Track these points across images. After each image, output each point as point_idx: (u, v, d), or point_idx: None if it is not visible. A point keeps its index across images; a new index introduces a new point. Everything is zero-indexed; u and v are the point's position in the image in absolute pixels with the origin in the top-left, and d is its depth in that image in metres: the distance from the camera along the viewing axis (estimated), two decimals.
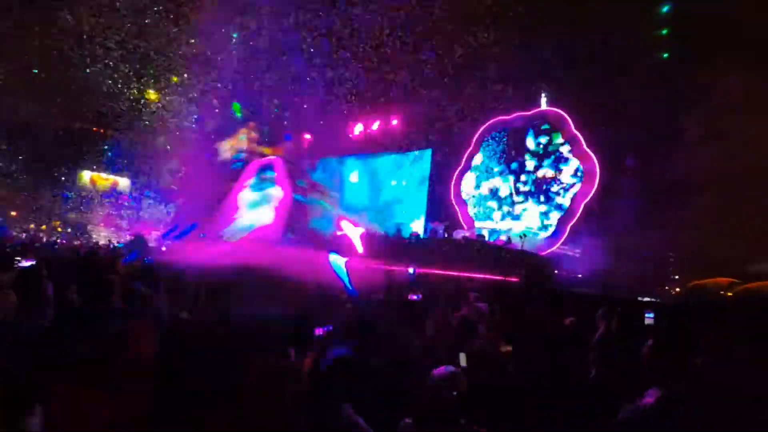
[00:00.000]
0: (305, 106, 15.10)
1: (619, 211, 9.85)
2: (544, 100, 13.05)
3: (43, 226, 20.77)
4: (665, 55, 11.08)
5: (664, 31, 11.24)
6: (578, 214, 11.56)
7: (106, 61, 13.51)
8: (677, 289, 10.25)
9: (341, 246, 11.05)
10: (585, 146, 11.76)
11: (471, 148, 14.32)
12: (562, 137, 12.30)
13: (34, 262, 3.80)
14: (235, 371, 2.02)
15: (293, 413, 1.85)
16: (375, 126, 16.63)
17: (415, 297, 4.46)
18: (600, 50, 10.97)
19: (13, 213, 20.55)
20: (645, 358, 1.75)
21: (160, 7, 12.04)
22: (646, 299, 8.38)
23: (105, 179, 22.02)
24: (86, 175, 21.79)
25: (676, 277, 10.60)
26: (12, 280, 3.47)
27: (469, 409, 1.94)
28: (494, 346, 3.06)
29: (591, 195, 11.39)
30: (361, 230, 14.24)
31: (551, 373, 2.35)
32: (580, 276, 10.32)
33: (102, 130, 18.82)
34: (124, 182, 21.99)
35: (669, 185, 9.77)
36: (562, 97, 12.45)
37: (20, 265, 3.77)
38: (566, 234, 11.60)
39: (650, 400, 1.55)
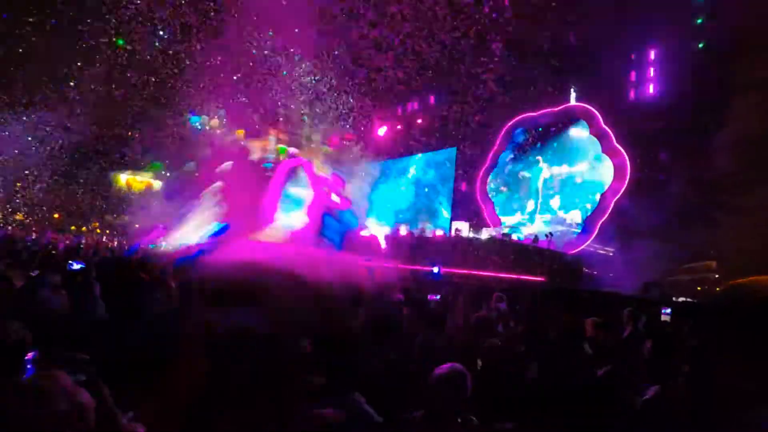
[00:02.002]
0: (331, 108, 15.30)
1: (653, 208, 9.56)
2: (573, 95, 12.77)
3: (84, 228, 21.87)
4: (701, 45, 10.65)
5: (700, 20, 10.81)
6: (609, 212, 11.26)
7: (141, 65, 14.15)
8: (717, 289, 9.85)
9: (367, 246, 11.20)
10: (615, 142, 11.45)
11: (497, 146, 14.17)
12: (591, 133, 12.01)
13: (83, 265, 4.13)
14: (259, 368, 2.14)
15: (307, 403, 1.96)
16: (399, 126, 16.72)
17: (435, 297, 4.53)
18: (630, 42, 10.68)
19: (56, 215, 21.76)
20: (645, 356, 1.78)
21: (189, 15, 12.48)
22: (681, 299, 8.14)
23: (140, 182, 22.90)
24: (122, 178, 22.74)
25: (716, 276, 10.17)
26: (62, 280, 3.80)
27: (482, 406, 2.01)
28: (512, 346, 3.10)
29: (622, 192, 11.07)
30: (386, 230, 14.36)
31: (566, 373, 2.38)
32: (611, 275, 10.08)
33: (136, 134, 19.61)
34: (157, 184, 22.83)
35: (708, 181, 9.40)
36: (591, 92, 12.15)
37: (71, 267, 4.09)
38: (596, 232, 11.32)
39: (647, 397, 1.58)
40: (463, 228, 12.84)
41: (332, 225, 16.52)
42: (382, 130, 17.20)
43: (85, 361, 1.76)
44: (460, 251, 10.50)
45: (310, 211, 17.90)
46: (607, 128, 11.62)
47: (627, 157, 11.13)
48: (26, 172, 18.86)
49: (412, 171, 17.03)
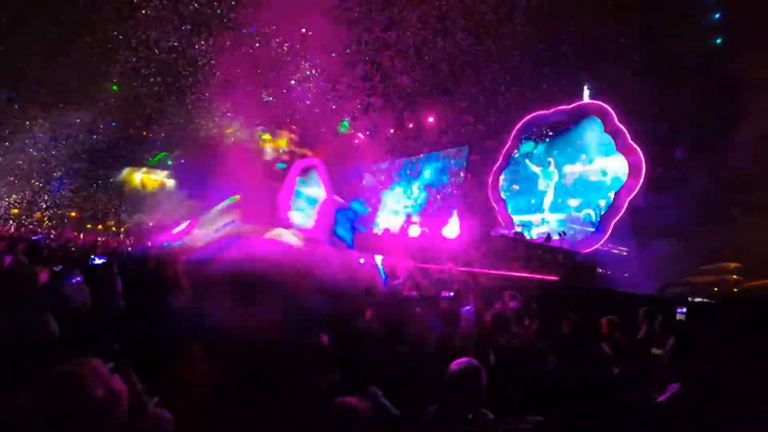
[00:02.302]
0: (341, 107, 15.38)
1: (668, 207, 9.43)
2: (586, 92, 12.65)
3: (99, 226, 22.31)
4: (718, 41, 10.46)
5: (717, 15, 10.61)
6: (623, 211, 11.14)
7: (155, 66, 14.38)
8: (734, 290, 9.67)
9: (380, 244, 11.25)
10: (629, 139, 11.32)
11: (509, 144, 14.10)
12: (605, 130, 11.88)
13: (105, 260, 4.24)
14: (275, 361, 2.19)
15: (324, 397, 2.00)
16: (410, 125, 16.72)
17: (448, 294, 4.56)
18: (645, 38, 10.53)
19: (73, 213, 22.22)
20: (666, 355, 1.78)
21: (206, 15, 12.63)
22: (698, 300, 8.02)
23: (154, 180, 23.24)
24: (137, 177, 23.11)
25: (735, 277, 9.98)
26: (84, 275, 3.90)
27: (496, 402, 2.03)
28: (525, 343, 3.11)
29: (636, 190, 10.94)
30: (398, 228, 14.41)
31: (582, 371, 2.39)
32: (626, 275, 9.97)
33: (150, 134, 19.89)
34: (170, 183, 23.15)
35: (724, 180, 9.24)
36: (605, 89, 12.01)
37: (93, 262, 4.21)
38: (610, 231, 11.21)
39: (666, 396, 1.59)
40: (476, 227, 12.82)
41: (344, 223, 16.59)
42: (393, 129, 17.21)
43: (114, 349, 1.82)
44: (472, 249, 10.47)
45: (323, 211, 18.04)
46: (621, 125, 11.49)
47: (642, 155, 10.99)
48: (46, 171, 19.33)
49: (423, 170, 17.03)
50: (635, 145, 11.16)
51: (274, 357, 2.40)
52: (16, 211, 21.91)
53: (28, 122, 17.76)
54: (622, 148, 11.47)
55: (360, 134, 17.48)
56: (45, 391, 1.11)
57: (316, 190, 18.26)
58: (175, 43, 13.56)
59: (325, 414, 1.92)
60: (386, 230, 15.17)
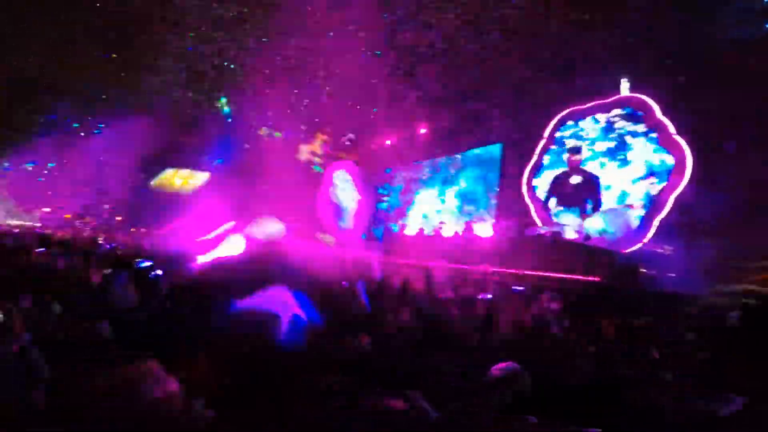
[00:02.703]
0: (374, 109, 15.45)
1: (716, 203, 8.93)
2: (625, 85, 12.15)
3: (142, 229, 23.29)
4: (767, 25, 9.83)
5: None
6: (667, 208, 10.62)
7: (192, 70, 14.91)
8: None
9: (413, 246, 11.24)
10: (673, 133, 10.79)
11: (545, 141, 13.74)
12: (646, 125, 11.38)
13: (150, 263, 4.46)
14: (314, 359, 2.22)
15: (364, 396, 2.01)
16: (443, 124, 16.58)
17: (485, 296, 4.49)
18: (687, 25, 10.01)
19: (118, 218, 23.29)
20: (725, 361, 1.68)
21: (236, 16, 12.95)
22: (751, 302, 7.55)
23: (188, 181, 23.89)
24: (175, 179, 23.85)
25: None
26: (132, 277, 4.09)
27: (535, 406, 1.97)
28: (566, 345, 3.02)
29: (681, 187, 10.41)
30: (431, 229, 14.35)
31: (622, 374, 2.30)
32: (672, 275, 9.51)
33: (194, 139, 20.56)
34: (206, 183, 23.75)
35: None
36: (646, 82, 11.49)
37: (140, 265, 4.42)
38: (653, 230, 10.72)
39: (729, 410, 1.49)
40: (511, 227, 12.59)
41: (377, 226, 16.70)
42: (423, 129, 17.15)
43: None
44: (508, 250, 10.29)
45: (359, 214, 18.29)
46: (664, 119, 10.97)
47: (687, 150, 10.46)
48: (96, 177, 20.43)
49: (456, 169, 16.87)
50: (679, 140, 10.64)
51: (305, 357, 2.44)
52: (68, 216, 23.27)
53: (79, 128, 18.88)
54: (666, 143, 10.95)
55: (391, 135, 17.50)
56: (107, 393, 1.16)
57: (350, 192, 18.48)
58: (218, 49, 13.97)
59: (364, 416, 1.92)
60: (420, 231, 15.15)
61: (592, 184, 12.29)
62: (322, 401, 1.90)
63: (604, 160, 12.23)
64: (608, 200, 11.95)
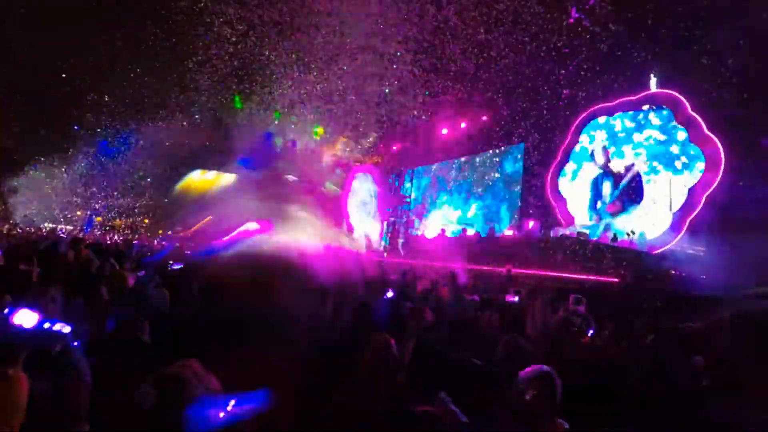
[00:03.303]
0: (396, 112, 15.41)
1: (753, 202, 8.57)
2: (653, 81, 11.79)
3: (170, 231, 23.85)
4: None
5: None
6: (700, 207, 10.27)
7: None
8: None
9: (435, 248, 11.20)
10: (706, 129, 10.43)
11: (569, 140, 13.48)
12: (677, 121, 11.02)
13: (181, 265, 4.58)
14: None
15: (396, 399, 2.02)
16: (463, 125, 16.47)
17: (513, 298, 4.44)
18: (716, 18, 9.66)
19: (146, 220, 23.92)
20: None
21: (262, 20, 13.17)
22: None
23: (210, 180, 24.21)
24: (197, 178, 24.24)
25: None
26: (163, 279, 4.22)
27: (567, 409, 1.94)
28: (596, 349, 2.97)
29: (715, 185, 10.05)
30: (452, 231, 14.27)
31: (655, 379, 2.24)
32: (704, 277, 9.17)
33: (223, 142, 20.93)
34: (233, 184, 24.04)
35: None
36: (675, 77, 11.13)
37: (172, 267, 4.55)
38: (685, 229, 10.37)
39: None
40: (535, 227, 12.41)
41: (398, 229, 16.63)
42: (445, 130, 17.06)
43: None
44: (532, 251, 10.14)
45: (380, 216, 18.34)
46: (696, 115, 10.61)
47: (720, 146, 10.09)
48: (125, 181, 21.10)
49: (477, 169, 16.74)
50: (713, 136, 10.27)
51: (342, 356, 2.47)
52: (99, 219, 24.08)
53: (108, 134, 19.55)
54: (698, 140, 10.59)
55: (413, 136, 17.47)
56: (156, 392, 1.22)
57: (372, 196, 18.55)
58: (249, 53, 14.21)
59: (396, 420, 1.94)
60: (442, 232, 15.07)
61: (632, 183, 11.92)
62: (355, 404, 1.93)
63: (637, 159, 11.90)
64: (644, 200, 11.62)
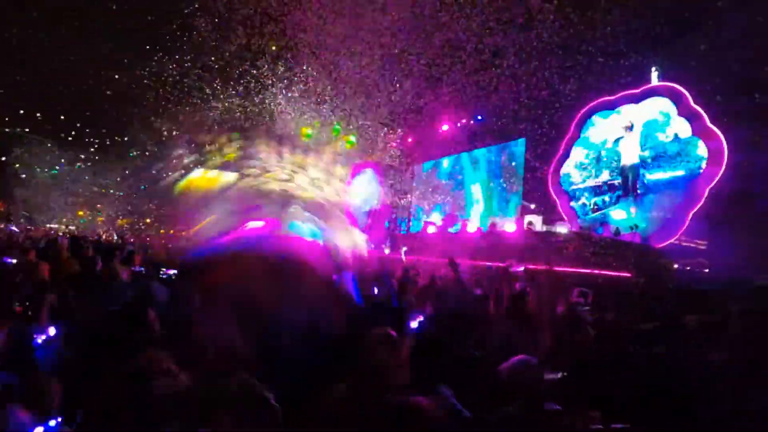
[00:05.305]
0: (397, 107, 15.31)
1: (755, 196, 8.52)
2: (655, 74, 11.71)
3: (171, 231, 23.90)
4: None
5: None
6: (702, 201, 10.20)
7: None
8: None
9: (436, 244, 11.14)
10: (709, 122, 10.35)
11: (570, 134, 13.41)
12: (680, 114, 10.94)
13: (176, 270, 4.57)
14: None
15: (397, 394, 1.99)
16: (464, 121, 16.39)
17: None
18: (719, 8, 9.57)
19: (147, 220, 23.95)
20: None
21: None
22: None
23: (210, 178, 24.30)
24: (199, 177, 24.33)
25: None
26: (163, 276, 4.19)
27: (571, 401, 1.92)
28: (606, 342, 2.93)
29: (718, 178, 9.98)
30: (455, 227, 14.20)
31: (657, 372, 2.20)
32: (707, 271, 9.12)
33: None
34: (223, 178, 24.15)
35: None
36: (676, 70, 11.04)
37: (167, 273, 4.54)
38: (687, 223, 10.31)
39: None
40: (537, 222, 12.34)
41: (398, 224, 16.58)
42: (445, 126, 16.97)
43: None
44: (534, 246, 10.06)
45: (382, 213, 18.26)
46: (698, 108, 10.53)
47: (724, 139, 10.01)
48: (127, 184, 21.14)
49: (478, 165, 16.68)
50: (716, 129, 10.19)
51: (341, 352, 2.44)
52: (101, 219, 24.13)
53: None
54: (700, 133, 10.51)
55: (414, 132, 17.38)
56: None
57: (372, 192, 18.45)
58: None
59: (395, 414, 1.90)
60: (443, 227, 15.01)
61: (631, 176, 11.87)
62: (351, 397, 1.89)
63: (636, 151, 11.83)
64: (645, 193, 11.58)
